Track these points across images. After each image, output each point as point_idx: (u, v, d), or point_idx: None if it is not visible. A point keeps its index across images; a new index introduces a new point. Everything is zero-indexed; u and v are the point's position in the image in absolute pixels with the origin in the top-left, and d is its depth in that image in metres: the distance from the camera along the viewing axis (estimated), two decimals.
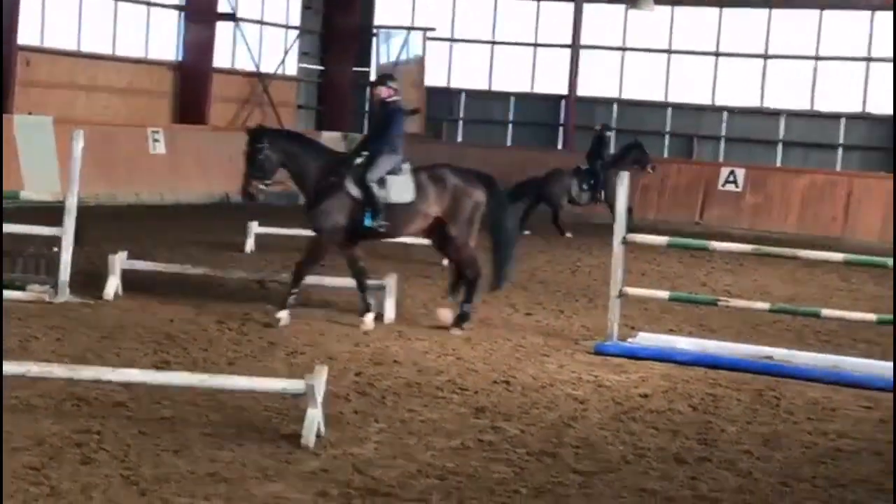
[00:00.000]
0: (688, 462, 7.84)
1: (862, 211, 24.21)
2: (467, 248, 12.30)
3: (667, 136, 28.97)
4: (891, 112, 26.89)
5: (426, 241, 17.22)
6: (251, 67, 28.65)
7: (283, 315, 11.55)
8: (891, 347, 12.32)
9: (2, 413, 6.46)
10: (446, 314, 11.97)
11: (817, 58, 27.68)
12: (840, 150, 27.47)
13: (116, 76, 25.99)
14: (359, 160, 11.97)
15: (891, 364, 11.14)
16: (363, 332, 11.55)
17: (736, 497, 7.18)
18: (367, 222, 11.78)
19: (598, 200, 22.77)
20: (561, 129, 29.90)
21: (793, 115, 27.97)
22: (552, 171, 23.06)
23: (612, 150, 24.18)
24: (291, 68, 30.52)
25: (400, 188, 11.97)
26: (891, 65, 26.92)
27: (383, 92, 12.42)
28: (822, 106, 27.86)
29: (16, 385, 8.21)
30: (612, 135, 23.16)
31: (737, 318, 13.44)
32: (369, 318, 11.76)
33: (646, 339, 11.75)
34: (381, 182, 11.84)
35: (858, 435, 8.84)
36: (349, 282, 12.51)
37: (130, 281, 12.85)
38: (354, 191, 11.76)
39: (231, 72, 28.21)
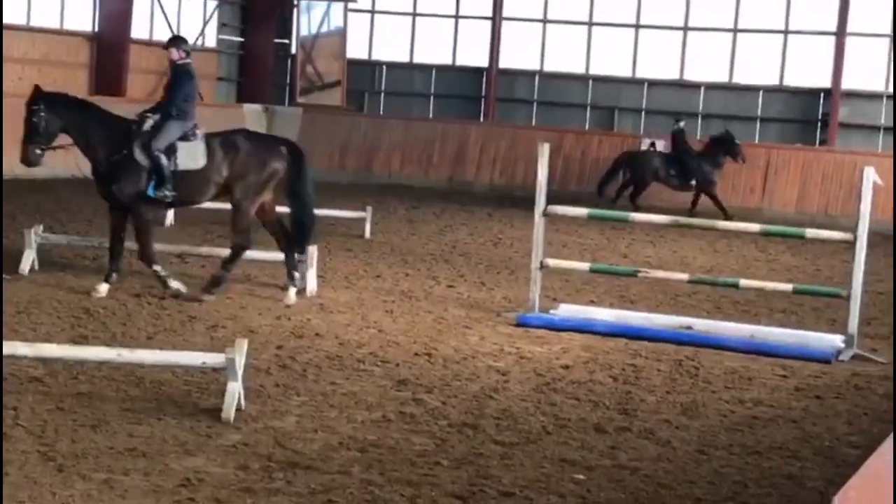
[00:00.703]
0: (608, 432, 7.91)
1: (779, 182, 24.50)
2: (246, 215, 11.82)
3: (588, 109, 29.09)
4: (808, 84, 27.23)
5: (350, 214, 17.29)
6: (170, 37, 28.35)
7: (102, 288, 11.34)
8: (807, 316, 12.55)
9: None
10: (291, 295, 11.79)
11: (735, 30, 27.92)
12: (758, 123, 27.76)
13: (31, 47, 25.59)
14: (147, 127, 11.60)
15: (806, 332, 11.32)
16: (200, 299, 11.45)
17: (655, 465, 7.26)
18: (151, 192, 11.47)
19: (689, 188, 23.12)
20: (482, 101, 29.91)
21: (712, 87, 28.22)
22: (643, 151, 24.18)
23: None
24: (211, 40, 30.24)
25: (190, 155, 11.64)
26: (808, 37, 27.27)
27: (173, 54, 12.21)
28: (741, 78, 28.12)
29: None
30: (683, 123, 23.35)
31: (657, 289, 13.57)
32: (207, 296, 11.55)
33: (567, 311, 11.81)
34: (171, 149, 11.52)
35: (774, 403, 8.98)
36: (272, 255, 12.46)
37: (47, 255, 12.70)
38: (142, 159, 11.43)
39: (149, 43, 27.86)
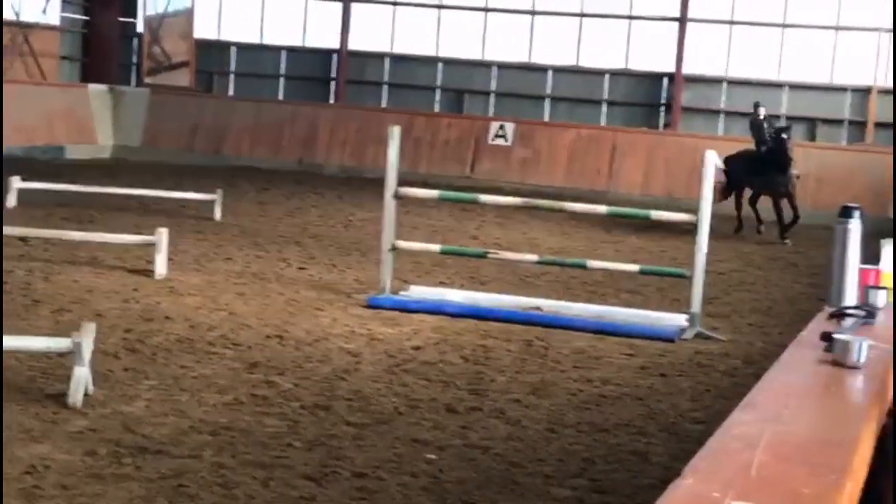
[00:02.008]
0: (459, 412, 7.96)
1: (625, 165, 24.90)
2: None
3: (437, 91, 29.19)
4: (652, 69, 27.71)
5: (200, 196, 17.09)
6: (10, 16, 27.61)
7: None
8: (652, 296, 12.79)
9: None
10: None
11: (582, 15, 28.28)
12: (604, 106, 28.18)
13: None
14: None
15: (651, 312, 11.55)
16: None
17: (505, 444, 7.33)
18: None
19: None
20: (333, 83, 29.82)
21: (559, 70, 28.55)
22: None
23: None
24: (54, 17, 29.54)
25: None
26: (652, 22, 27.74)
27: None
28: (587, 62, 28.51)
29: None
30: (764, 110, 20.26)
31: (506, 271, 13.70)
32: None
33: (418, 293, 11.85)
34: None
35: (621, 381, 9.13)
36: (120, 237, 12.28)
37: None
38: None
39: None
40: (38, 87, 26.73)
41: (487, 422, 7.79)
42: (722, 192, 18.54)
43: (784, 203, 19.06)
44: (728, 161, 18.86)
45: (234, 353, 9.17)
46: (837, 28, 26.31)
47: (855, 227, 4.20)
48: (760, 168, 18.99)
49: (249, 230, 16.18)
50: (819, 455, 2.58)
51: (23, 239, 13.09)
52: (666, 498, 2.15)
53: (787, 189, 18.87)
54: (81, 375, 7.43)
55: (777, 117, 18.68)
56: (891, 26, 25.50)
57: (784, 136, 18.64)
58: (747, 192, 19.70)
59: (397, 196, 11.75)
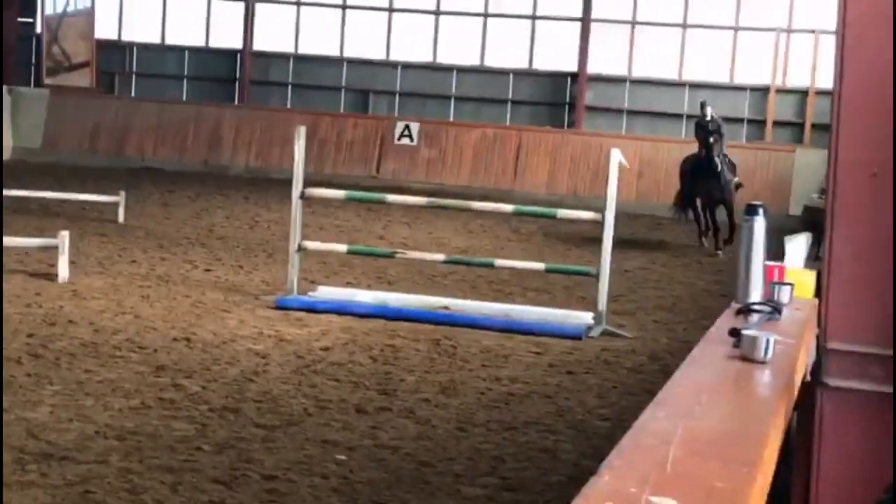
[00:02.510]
0: (368, 412, 7.96)
1: (530, 164, 25.01)
2: None
3: (343, 91, 29.08)
4: (556, 68, 27.87)
5: (102, 198, 16.87)
6: None
7: None
8: (558, 294, 12.87)
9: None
10: None
11: (486, 15, 28.35)
12: (509, 105, 28.28)
13: None
14: None
15: (558, 310, 11.62)
16: None
17: (415, 444, 7.34)
18: None
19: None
20: (237, 83, 29.57)
21: (464, 70, 28.59)
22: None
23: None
24: None
25: None
26: (555, 22, 27.92)
27: None
28: (492, 62, 28.58)
29: None
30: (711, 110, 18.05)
31: (414, 270, 13.71)
32: None
33: (326, 293, 11.82)
34: None
35: (529, 379, 9.19)
36: (20, 241, 12.09)
37: None
38: None
39: None
40: None
41: (397, 422, 7.80)
42: (677, 198, 18.33)
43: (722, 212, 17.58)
44: (681, 165, 18.36)
45: (139, 356, 9.08)
46: (737, 28, 26.67)
47: (759, 224, 4.26)
48: (698, 173, 17.52)
49: (154, 232, 16.01)
50: (731, 449, 2.62)
51: None
52: (583, 495, 2.16)
53: (721, 196, 17.41)
54: None
55: (707, 118, 18.03)
56: (787, 26, 25.93)
57: (710, 139, 17.20)
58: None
59: (304, 196, 11.71)
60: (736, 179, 18.05)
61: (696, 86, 26.76)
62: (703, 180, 17.39)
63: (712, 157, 17.16)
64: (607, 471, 2.30)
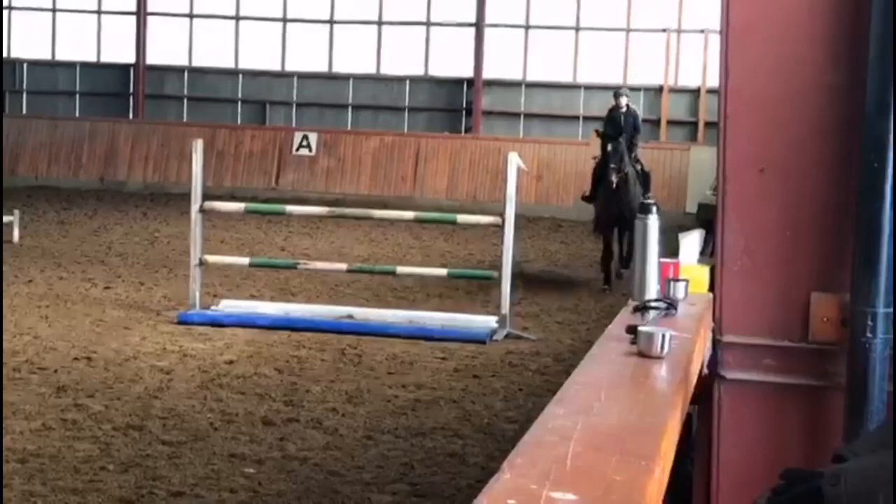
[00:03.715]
0: (276, 424, 7.94)
1: (429, 170, 25.04)
2: None
3: (239, 103, 28.86)
4: (452, 74, 27.91)
5: None
6: None
7: None
8: (461, 299, 12.92)
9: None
10: None
11: (380, 23, 28.33)
12: (406, 112, 28.28)
13: None
14: None
15: (461, 315, 11.67)
16: None
17: (323, 454, 7.34)
18: None
19: None
20: (131, 98, 29.21)
21: (360, 78, 28.55)
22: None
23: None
24: None
25: None
26: (449, 28, 28.00)
27: None
28: (388, 69, 28.58)
29: None
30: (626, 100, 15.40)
31: (317, 281, 13.67)
32: None
33: (229, 306, 11.76)
34: None
35: (435, 385, 9.22)
36: None
37: None
38: None
39: None
40: None
41: (304, 432, 7.78)
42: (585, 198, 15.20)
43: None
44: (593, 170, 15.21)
45: (40, 377, 8.95)
46: (628, 30, 26.95)
47: (653, 222, 4.32)
48: (607, 184, 14.00)
49: (51, 251, 15.77)
50: (629, 443, 2.65)
51: None
52: (485, 494, 2.18)
53: (621, 212, 13.70)
54: None
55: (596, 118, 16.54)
56: (677, 27, 26.25)
57: (611, 145, 14.05)
58: None
59: (203, 210, 11.63)
60: (648, 194, 13.97)
61: (590, 87, 27.00)
62: (612, 196, 13.88)
63: (618, 168, 13.81)
64: (509, 469, 2.32)
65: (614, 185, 13.74)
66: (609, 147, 14.07)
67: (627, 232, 13.64)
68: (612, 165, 13.81)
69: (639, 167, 14.68)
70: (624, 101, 15.08)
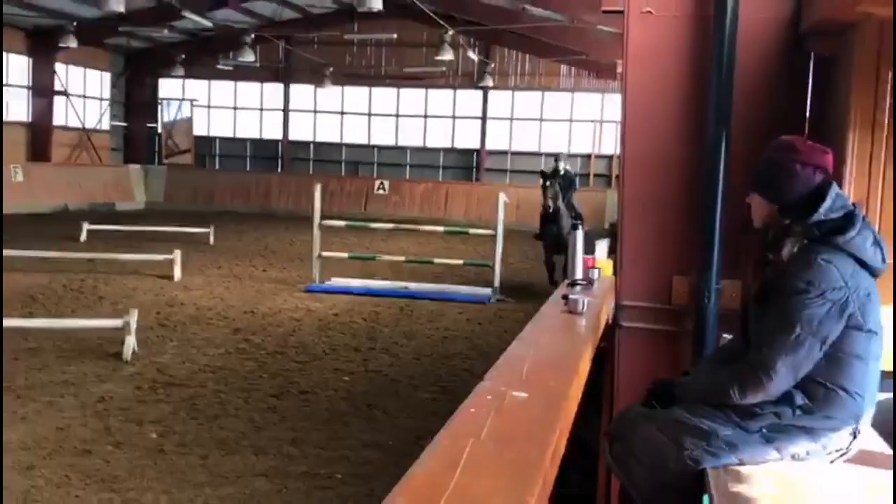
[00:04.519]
0: (361, 351, 7.98)
1: (452, 203, 25.03)
2: None
3: (343, 163, 28.89)
4: (468, 146, 27.83)
5: (199, 229, 16.67)
6: (79, 124, 26.56)
7: None
8: (473, 279, 12.88)
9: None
10: None
11: (426, 116, 28.26)
12: (440, 169, 28.20)
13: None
14: None
15: (472, 287, 11.63)
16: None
17: (389, 369, 7.36)
18: None
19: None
20: (280, 160, 29.29)
21: (413, 149, 28.50)
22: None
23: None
24: (106, 124, 28.49)
25: None
26: (466, 120, 27.95)
27: None
28: (430, 143, 28.51)
29: None
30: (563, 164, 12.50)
31: (387, 267, 13.68)
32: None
33: (335, 282, 11.80)
34: None
35: (456, 329, 9.22)
36: (151, 256, 11.96)
37: (4, 262, 11.80)
38: None
39: (65, 127, 26.02)
40: (97, 167, 25.77)
41: (378, 356, 7.82)
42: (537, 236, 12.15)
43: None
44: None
45: (224, 323, 9.04)
46: (571, 120, 26.87)
47: (580, 233, 4.31)
48: (546, 219, 11.77)
49: (231, 249, 15.87)
50: (561, 363, 2.66)
51: (90, 260, 12.67)
52: (474, 392, 2.20)
53: (564, 241, 9.52)
54: (130, 341, 7.27)
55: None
56: (600, 118, 26.14)
57: (548, 184, 11.60)
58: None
59: (320, 226, 11.68)
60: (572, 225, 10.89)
61: (549, 154, 26.88)
62: (547, 226, 11.68)
63: (552, 205, 11.48)
64: (488, 379, 2.34)
65: (551, 209, 11.36)
66: (546, 183, 11.54)
67: (562, 255, 9.88)
68: (549, 196, 11.46)
69: (574, 211, 11.91)
70: (562, 165, 12.31)
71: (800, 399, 2.62)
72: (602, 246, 4.66)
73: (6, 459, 4.79)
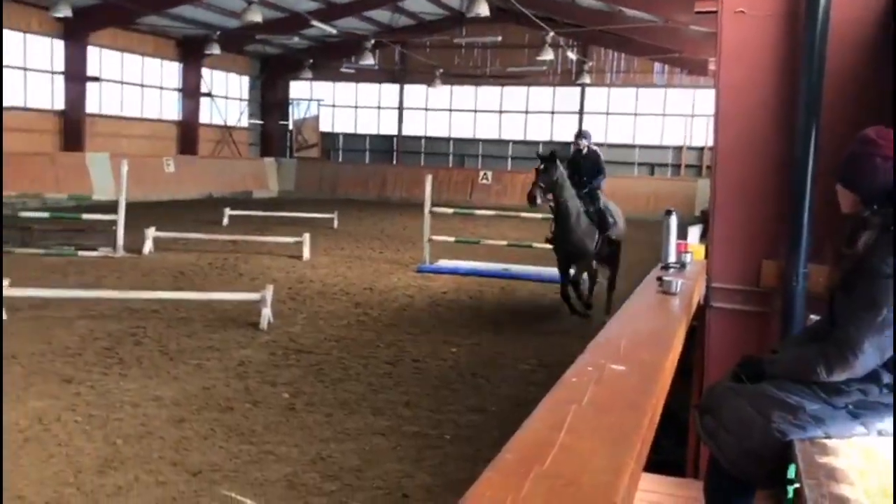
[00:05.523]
0: (467, 325, 7.95)
1: None
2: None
3: (451, 156, 29.02)
4: (564, 139, 27.51)
5: (325, 215, 17.05)
6: (221, 122, 27.65)
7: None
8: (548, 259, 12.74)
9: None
10: None
11: (526, 112, 28.03)
12: (509, 161, 27.93)
13: (145, 129, 24.77)
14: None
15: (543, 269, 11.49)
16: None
17: (493, 341, 7.28)
18: None
19: None
20: (395, 153, 29.69)
21: (516, 141, 28.31)
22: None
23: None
24: (245, 122, 29.54)
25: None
26: (565, 115, 27.54)
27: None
28: (531, 136, 28.25)
29: (95, 305, 7.89)
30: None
31: (489, 250, 13.67)
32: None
33: (444, 263, 11.88)
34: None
35: (554, 307, 9.09)
36: (284, 238, 12.32)
37: (158, 242, 12.42)
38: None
39: (210, 125, 27.14)
40: (238, 160, 26.78)
41: (482, 329, 7.81)
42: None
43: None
44: None
45: (346, 297, 9.21)
46: (664, 115, 26.12)
47: (673, 220, 4.22)
48: (556, 219, 8.36)
49: (353, 233, 16.17)
50: (656, 339, 2.62)
51: (233, 241, 13.19)
52: (575, 365, 2.19)
53: (573, 250, 8.16)
54: (266, 312, 7.52)
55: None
56: (691, 113, 25.29)
57: (543, 165, 7.96)
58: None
59: (431, 212, 11.77)
60: (615, 231, 8.46)
61: (643, 147, 26.26)
62: (558, 228, 8.17)
63: (540, 199, 7.91)
64: (588, 352, 2.33)
65: (537, 202, 7.83)
66: (541, 167, 7.90)
67: (579, 263, 8.27)
68: (542, 184, 7.85)
69: (596, 206, 8.32)
70: (584, 142, 8.56)
71: (887, 377, 2.50)
72: (694, 231, 4.54)
73: (162, 413, 5.07)
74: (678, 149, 26.06)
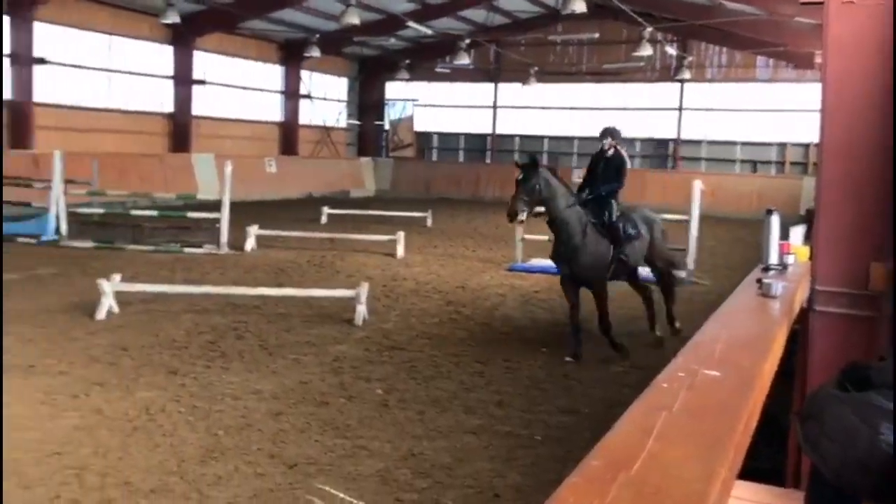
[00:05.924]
0: (558, 325, 7.87)
1: (649, 189, 24.18)
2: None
3: (546, 154, 28.84)
4: (662, 136, 26.80)
5: (419, 214, 17.23)
6: (320, 123, 28.37)
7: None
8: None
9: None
10: None
11: (623, 109, 27.50)
12: (638, 158, 27.36)
13: (248, 131, 25.69)
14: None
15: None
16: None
17: (583, 343, 7.14)
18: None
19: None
20: (488, 151, 29.70)
21: (581, 138, 27.82)
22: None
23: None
24: (343, 123, 30.20)
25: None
26: (662, 111, 26.87)
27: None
28: (627, 134, 27.68)
29: (200, 300, 8.23)
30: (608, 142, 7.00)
31: None
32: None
33: (536, 262, 11.80)
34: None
35: (641, 301, 8.87)
36: (379, 237, 12.49)
37: (260, 240, 12.83)
38: None
39: (310, 126, 27.88)
40: (336, 160, 27.41)
41: (565, 335, 7.69)
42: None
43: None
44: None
45: (439, 296, 9.28)
46: (766, 111, 25.10)
47: (775, 219, 4.06)
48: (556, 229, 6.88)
49: (445, 231, 16.27)
50: (754, 344, 2.54)
51: (330, 239, 13.49)
52: (667, 369, 2.14)
53: (578, 272, 6.70)
54: (361, 309, 7.66)
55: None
56: (803, 108, 24.21)
57: (523, 174, 6.51)
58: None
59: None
60: (630, 250, 7.05)
61: (746, 143, 25.33)
62: (557, 245, 6.73)
63: (520, 212, 6.46)
64: (681, 356, 2.27)
65: (518, 218, 6.46)
66: (520, 176, 6.46)
67: (592, 290, 6.80)
68: (524, 196, 6.41)
69: (602, 219, 6.87)
70: (608, 142, 6.94)
71: None
72: (797, 232, 4.35)
73: (261, 406, 5.23)
74: (782, 145, 25.00)
